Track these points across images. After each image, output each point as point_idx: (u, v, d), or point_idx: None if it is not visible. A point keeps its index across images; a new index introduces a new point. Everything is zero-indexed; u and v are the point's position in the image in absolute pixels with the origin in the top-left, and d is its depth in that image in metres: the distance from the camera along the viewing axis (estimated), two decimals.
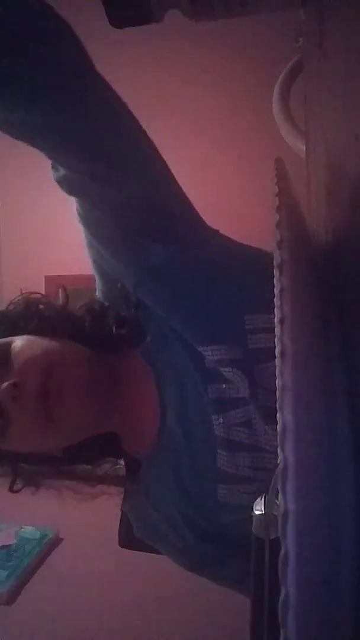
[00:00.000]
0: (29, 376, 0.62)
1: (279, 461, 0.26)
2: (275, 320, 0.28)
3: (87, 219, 0.69)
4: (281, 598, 0.24)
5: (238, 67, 2.30)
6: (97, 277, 0.74)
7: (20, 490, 0.71)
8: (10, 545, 1.78)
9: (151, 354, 0.68)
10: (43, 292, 0.78)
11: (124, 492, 0.74)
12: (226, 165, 2.36)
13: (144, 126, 0.70)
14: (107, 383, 0.67)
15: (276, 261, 0.30)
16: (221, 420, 0.62)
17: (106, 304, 0.73)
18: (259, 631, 0.33)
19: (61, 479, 0.72)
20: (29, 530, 1.84)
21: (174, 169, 0.75)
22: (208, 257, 0.68)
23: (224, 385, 0.62)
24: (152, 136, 0.71)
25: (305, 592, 0.25)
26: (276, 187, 0.36)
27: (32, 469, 0.71)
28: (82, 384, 0.64)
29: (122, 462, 0.75)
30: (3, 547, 1.78)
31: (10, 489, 0.71)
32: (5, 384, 0.61)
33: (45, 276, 2.69)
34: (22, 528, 1.85)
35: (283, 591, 0.25)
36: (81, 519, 1.78)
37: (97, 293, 0.74)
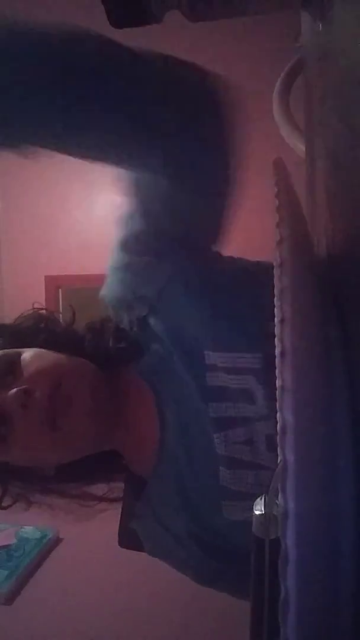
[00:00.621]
0: (39, 385, 0.62)
1: (279, 461, 0.26)
2: (276, 320, 0.28)
3: (146, 214, 0.69)
4: (281, 598, 0.25)
5: (238, 67, 2.30)
6: (113, 285, 0.73)
7: (10, 506, 0.71)
8: (10, 545, 1.78)
9: (150, 373, 0.69)
10: (43, 292, 0.78)
11: (121, 509, 0.75)
12: None
13: None
14: (110, 399, 0.68)
15: (276, 261, 0.30)
16: (222, 438, 0.62)
17: (107, 320, 0.74)
18: (259, 631, 0.33)
19: (52, 497, 0.72)
20: (29, 530, 1.84)
21: None
22: (232, 268, 0.70)
23: (224, 405, 0.62)
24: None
25: (305, 592, 0.25)
26: (276, 187, 0.36)
27: (21, 487, 0.71)
28: (89, 397, 0.64)
29: (116, 485, 0.75)
30: (3, 547, 1.78)
31: None
32: (15, 389, 0.62)
33: (45, 276, 2.69)
34: (22, 528, 1.85)
35: (283, 591, 0.25)
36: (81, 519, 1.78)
37: (106, 293, 0.74)
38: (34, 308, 0.77)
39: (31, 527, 1.85)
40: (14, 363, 0.65)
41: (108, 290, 0.74)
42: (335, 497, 0.30)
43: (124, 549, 0.99)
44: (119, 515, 0.97)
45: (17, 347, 0.69)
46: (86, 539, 1.75)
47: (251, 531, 0.33)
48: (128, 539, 0.98)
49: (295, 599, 0.24)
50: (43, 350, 0.68)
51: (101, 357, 0.71)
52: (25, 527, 1.85)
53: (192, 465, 0.65)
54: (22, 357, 0.66)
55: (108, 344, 0.72)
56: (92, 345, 0.72)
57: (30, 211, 2.73)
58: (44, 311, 0.78)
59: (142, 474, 0.71)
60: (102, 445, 0.70)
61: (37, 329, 0.74)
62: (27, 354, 0.67)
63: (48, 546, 1.79)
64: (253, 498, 0.60)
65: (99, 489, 0.75)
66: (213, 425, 0.62)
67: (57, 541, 1.83)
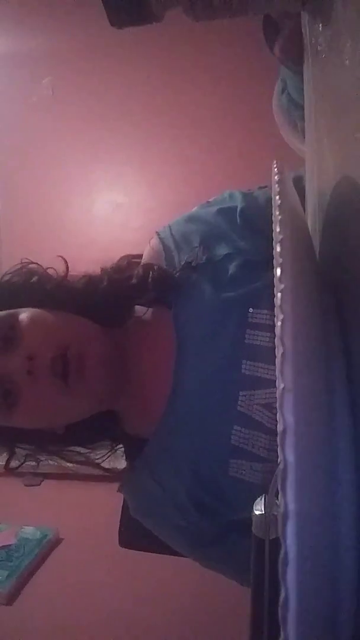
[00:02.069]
0: (42, 349, 0.61)
1: (279, 461, 0.26)
2: (276, 320, 0.28)
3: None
4: (281, 598, 0.24)
5: (238, 66, 2.30)
6: (199, 221, 0.74)
7: (18, 468, 0.71)
8: (10, 545, 1.78)
9: (182, 323, 0.67)
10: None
11: (122, 510, 0.74)
12: (226, 165, 2.36)
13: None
14: (119, 357, 0.67)
15: (276, 261, 0.30)
16: (248, 396, 0.61)
17: (111, 273, 0.73)
18: (259, 631, 0.33)
19: (56, 459, 0.72)
20: (29, 530, 1.84)
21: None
22: None
23: (258, 364, 0.62)
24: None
25: (305, 592, 0.25)
26: (276, 187, 0.36)
27: (28, 449, 0.70)
28: (99, 357, 0.64)
29: (119, 448, 0.75)
30: (3, 547, 1.78)
31: (6, 467, 0.70)
32: (19, 357, 0.61)
33: None
34: (22, 528, 1.85)
35: (283, 591, 0.25)
36: (81, 519, 1.78)
37: (183, 223, 0.75)
38: (23, 262, 0.75)
39: (31, 527, 1.85)
40: (12, 325, 0.64)
41: (187, 223, 0.74)
42: (336, 497, 0.30)
43: (124, 549, 1.00)
44: (119, 516, 0.97)
45: (10, 307, 0.67)
46: (86, 539, 1.75)
47: (254, 495, 0.33)
48: (128, 539, 0.98)
49: (295, 599, 0.24)
50: (40, 310, 0.67)
51: (102, 311, 0.70)
52: (25, 527, 1.85)
53: (203, 421, 0.64)
54: (19, 319, 0.64)
55: (109, 294, 0.71)
56: (91, 298, 0.71)
57: (30, 211, 2.73)
58: (34, 265, 0.75)
59: (143, 434, 0.70)
60: (108, 404, 0.69)
61: (29, 286, 0.71)
62: (24, 315, 0.65)
63: (48, 546, 1.79)
64: (261, 460, 0.60)
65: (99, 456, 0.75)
66: (243, 382, 0.62)
67: (57, 541, 1.83)
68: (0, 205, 2.78)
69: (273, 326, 0.61)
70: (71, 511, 1.78)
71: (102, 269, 0.74)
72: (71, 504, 1.87)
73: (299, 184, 0.72)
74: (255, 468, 0.61)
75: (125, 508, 0.79)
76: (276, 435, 0.61)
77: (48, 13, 2.45)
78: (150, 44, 2.26)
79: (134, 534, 0.77)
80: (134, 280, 0.71)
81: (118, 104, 2.61)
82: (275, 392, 0.60)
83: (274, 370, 0.60)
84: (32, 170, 2.75)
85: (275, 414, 0.61)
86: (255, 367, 0.62)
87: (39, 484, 0.73)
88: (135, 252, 0.79)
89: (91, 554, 1.68)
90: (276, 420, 0.61)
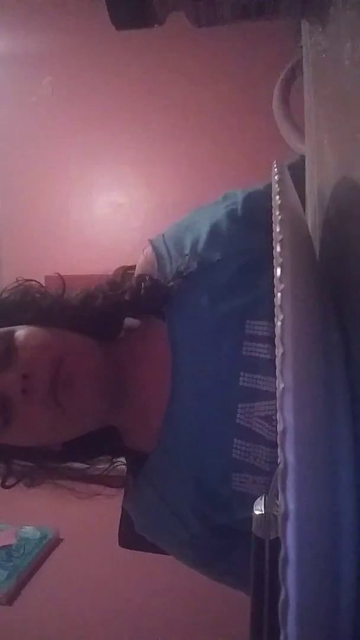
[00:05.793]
0: (38, 368, 0.61)
1: (279, 461, 0.26)
2: (276, 320, 0.28)
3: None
4: (281, 598, 0.25)
5: (238, 67, 2.30)
6: (193, 228, 0.72)
7: (13, 486, 0.71)
8: (10, 545, 1.78)
9: (175, 335, 0.67)
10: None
11: (124, 490, 0.74)
12: (226, 165, 2.36)
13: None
14: (113, 371, 0.67)
15: (277, 261, 0.30)
16: (247, 409, 0.61)
17: (106, 288, 0.73)
18: (259, 631, 0.33)
19: (54, 478, 0.72)
20: (29, 530, 1.84)
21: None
22: None
23: (256, 376, 0.61)
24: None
25: (305, 592, 0.25)
26: (276, 186, 0.36)
27: (26, 466, 0.70)
28: (92, 374, 0.64)
29: (119, 461, 0.75)
30: (3, 547, 1.78)
31: (3, 485, 0.70)
32: (14, 375, 0.61)
33: (45, 276, 2.69)
34: (22, 528, 1.85)
35: (283, 591, 0.25)
36: (81, 519, 1.78)
37: (175, 232, 0.73)
38: (19, 280, 0.75)
39: (31, 527, 1.85)
40: (8, 343, 0.64)
41: (180, 230, 0.73)
42: (335, 498, 0.30)
43: (124, 549, 1.00)
44: (119, 516, 0.97)
45: (6, 325, 0.67)
46: (86, 539, 1.75)
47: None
48: (128, 539, 0.98)
49: (295, 599, 0.24)
50: (36, 328, 0.66)
51: (98, 326, 0.70)
52: (25, 527, 1.85)
53: (202, 435, 0.64)
54: (15, 336, 0.64)
55: (105, 310, 0.71)
56: (87, 314, 0.71)
57: (30, 211, 2.73)
58: (30, 283, 0.75)
59: (143, 449, 0.70)
60: (106, 421, 0.69)
61: (25, 305, 0.71)
62: (21, 332, 0.65)
63: (48, 546, 1.79)
64: (263, 473, 0.59)
65: (99, 471, 0.74)
66: (241, 394, 0.61)
67: (57, 541, 1.83)
68: (0, 205, 2.78)
69: (271, 338, 0.61)
70: (71, 511, 1.78)
71: (96, 286, 0.74)
72: (71, 504, 1.87)
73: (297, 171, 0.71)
74: (259, 481, 0.60)
75: (125, 508, 0.79)
76: (274, 446, 0.61)
77: (48, 13, 2.45)
78: (150, 43, 2.26)
79: (134, 534, 0.77)
80: (127, 297, 0.71)
81: (118, 104, 2.61)
82: (274, 404, 0.60)
83: (273, 382, 0.60)
84: (32, 170, 2.75)
85: (275, 426, 0.61)
86: (253, 379, 0.61)
87: (39, 484, 0.73)
88: (135, 252, 0.79)
89: (91, 554, 1.68)
90: (274, 431, 0.60)
